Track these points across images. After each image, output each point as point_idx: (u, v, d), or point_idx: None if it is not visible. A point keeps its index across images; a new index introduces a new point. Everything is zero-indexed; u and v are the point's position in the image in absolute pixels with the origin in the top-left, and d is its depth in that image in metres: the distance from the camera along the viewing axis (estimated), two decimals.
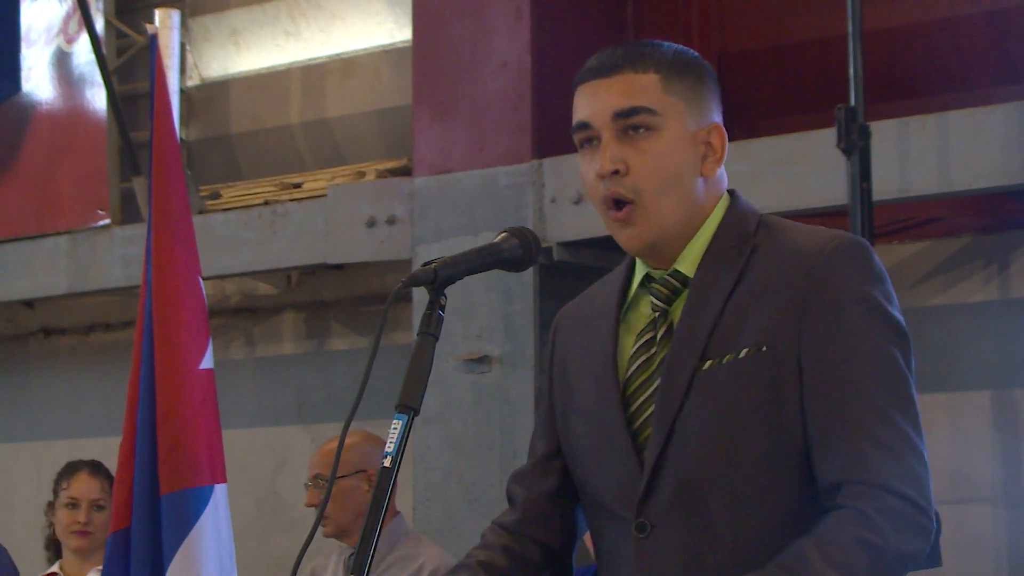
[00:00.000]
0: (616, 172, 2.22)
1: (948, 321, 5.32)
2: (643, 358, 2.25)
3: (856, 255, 2.20)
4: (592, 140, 2.27)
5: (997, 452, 5.24)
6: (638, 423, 2.23)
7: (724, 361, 2.18)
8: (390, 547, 4.41)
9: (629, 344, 2.28)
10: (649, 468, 2.19)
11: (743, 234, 2.26)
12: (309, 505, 4.54)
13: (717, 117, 2.31)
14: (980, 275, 5.34)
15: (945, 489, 5.22)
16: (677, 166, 2.24)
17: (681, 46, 2.33)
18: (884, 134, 4.89)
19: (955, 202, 5.30)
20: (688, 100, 2.26)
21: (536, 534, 2.38)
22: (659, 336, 2.25)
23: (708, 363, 2.18)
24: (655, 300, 2.27)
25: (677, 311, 2.25)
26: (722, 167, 2.31)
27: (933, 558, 4.88)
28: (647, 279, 2.30)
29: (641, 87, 2.24)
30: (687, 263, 2.26)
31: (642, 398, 2.24)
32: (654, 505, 2.20)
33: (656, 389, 2.22)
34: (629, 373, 2.26)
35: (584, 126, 2.27)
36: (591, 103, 2.26)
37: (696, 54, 2.33)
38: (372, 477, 4.38)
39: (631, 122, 2.23)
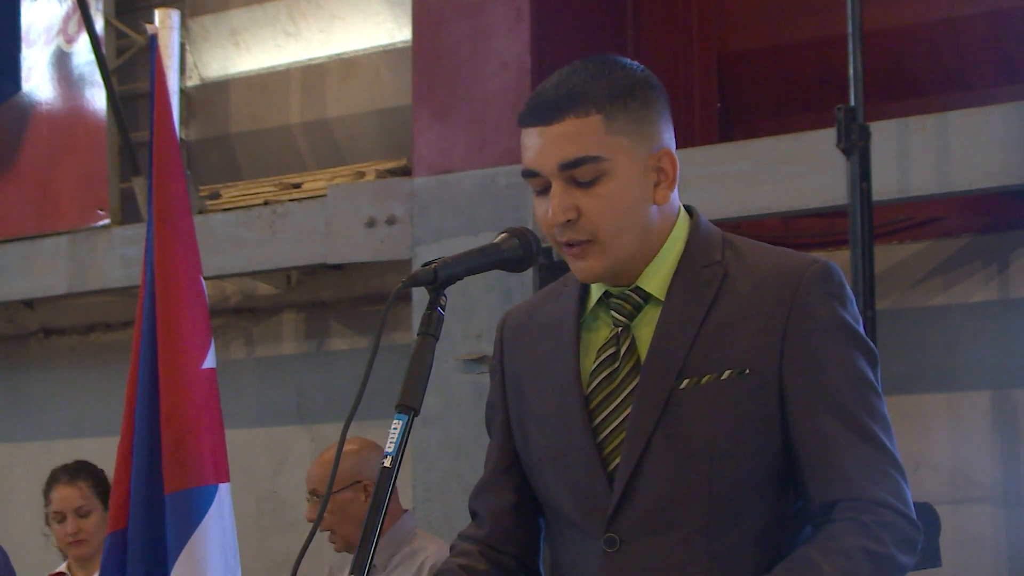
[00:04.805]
0: (569, 221, 2.19)
1: (948, 321, 5.32)
2: (606, 373, 2.24)
3: (832, 280, 2.21)
4: (543, 185, 2.22)
5: (997, 452, 5.24)
6: (601, 437, 2.23)
7: (703, 381, 2.18)
8: (398, 545, 4.39)
9: (588, 359, 2.27)
10: (622, 483, 2.19)
11: (712, 255, 2.25)
12: (310, 520, 4.50)
13: (668, 138, 2.25)
14: (980, 275, 5.34)
15: (945, 489, 5.22)
16: (630, 203, 2.20)
17: (628, 65, 2.24)
18: (884, 134, 4.89)
19: (955, 202, 5.30)
20: (635, 133, 2.20)
21: (505, 547, 2.39)
22: (622, 351, 2.24)
23: (685, 382, 2.18)
24: (616, 315, 2.26)
25: (639, 327, 2.25)
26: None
27: (933, 558, 4.88)
28: (606, 295, 2.29)
29: (584, 134, 2.18)
30: (652, 282, 2.25)
31: (605, 412, 2.23)
32: (626, 520, 2.20)
33: (621, 404, 2.22)
34: (591, 388, 2.25)
35: (532, 174, 2.22)
36: (535, 152, 2.21)
37: (643, 73, 2.24)
38: (369, 488, 4.33)
39: (577, 172, 2.18)
